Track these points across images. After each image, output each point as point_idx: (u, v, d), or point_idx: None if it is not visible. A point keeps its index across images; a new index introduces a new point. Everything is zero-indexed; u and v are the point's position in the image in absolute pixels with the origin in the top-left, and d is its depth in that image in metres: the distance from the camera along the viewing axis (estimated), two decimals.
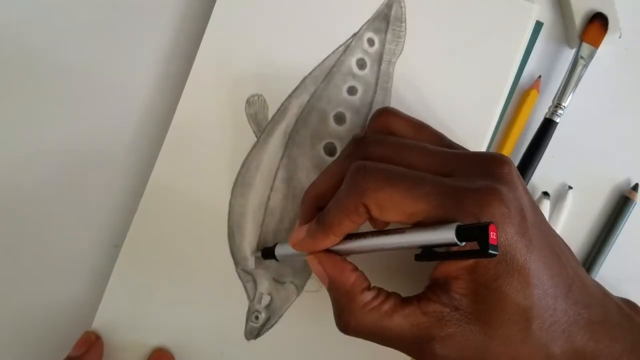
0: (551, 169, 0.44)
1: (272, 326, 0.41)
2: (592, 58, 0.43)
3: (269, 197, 0.42)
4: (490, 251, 0.27)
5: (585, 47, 0.43)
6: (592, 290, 0.34)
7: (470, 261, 0.31)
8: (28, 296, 0.43)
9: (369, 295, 0.33)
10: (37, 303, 0.43)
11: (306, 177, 0.42)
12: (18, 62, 0.44)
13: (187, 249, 0.41)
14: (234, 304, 0.41)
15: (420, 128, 0.36)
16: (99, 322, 0.41)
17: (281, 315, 0.41)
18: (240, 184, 0.42)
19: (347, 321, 0.33)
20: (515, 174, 0.32)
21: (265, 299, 0.41)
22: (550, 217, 0.44)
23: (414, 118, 0.37)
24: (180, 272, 0.41)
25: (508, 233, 0.30)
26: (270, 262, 0.41)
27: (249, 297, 0.41)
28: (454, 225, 0.28)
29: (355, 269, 0.34)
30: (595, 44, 0.43)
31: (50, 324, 0.43)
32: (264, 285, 0.41)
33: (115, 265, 0.41)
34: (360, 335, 0.33)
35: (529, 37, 0.42)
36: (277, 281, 0.41)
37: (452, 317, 0.31)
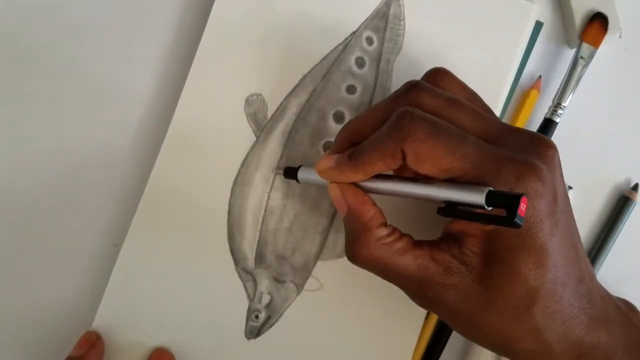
0: None
1: (272, 325, 0.41)
2: (592, 58, 0.43)
3: (268, 197, 0.42)
4: (516, 221, 0.27)
5: (585, 47, 0.43)
6: (598, 289, 0.34)
7: (491, 227, 0.31)
8: (28, 296, 0.43)
9: (384, 231, 0.33)
10: (37, 303, 0.43)
11: None
12: (18, 62, 0.44)
13: (187, 249, 0.41)
14: (234, 303, 0.41)
15: (473, 96, 0.36)
16: (99, 322, 0.41)
17: (281, 315, 0.41)
18: (240, 183, 0.42)
19: (358, 251, 0.33)
20: (558, 159, 0.32)
21: (265, 298, 0.41)
22: None
23: (468, 86, 0.36)
24: (180, 272, 0.41)
25: (537, 210, 0.30)
26: (270, 262, 0.41)
27: (249, 296, 0.41)
28: (486, 189, 0.29)
29: (375, 204, 0.34)
30: (595, 44, 0.43)
31: (50, 324, 0.43)
32: (264, 284, 0.41)
33: (115, 265, 0.41)
34: (368, 266, 0.34)
35: (528, 37, 0.43)
36: (277, 280, 0.41)
37: (459, 269, 0.32)
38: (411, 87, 0.34)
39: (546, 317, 0.31)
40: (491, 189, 0.29)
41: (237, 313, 0.41)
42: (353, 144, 0.34)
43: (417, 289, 0.33)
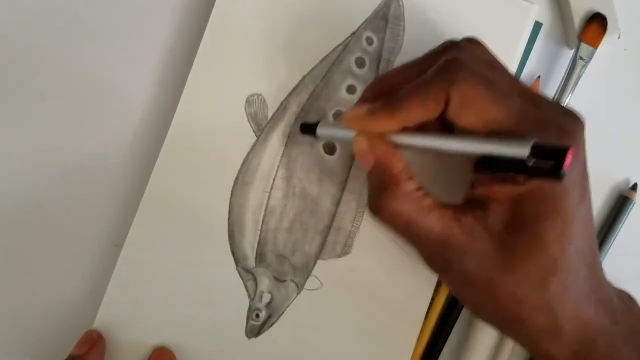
0: None
1: (272, 324, 0.41)
2: (591, 58, 0.43)
3: (269, 196, 0.42)
4: (562, 172, 0.27)
5: (584, 47, 0.43)
6: (604, 273, 0.34)
7: (520, 189, 0.30)
8: (29, 296, 0.43)
9: (413, 185, 0.32)
10: (38, 303, 0.43)
11: (306, 176, 0.42)
12: (18, 62, 0.45)
13: (188, 248, 0.41)
14: (235, 302, 0.41)
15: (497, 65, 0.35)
16: (100, 322, 0.41)
17: (282, 314, 0.41)
18: (240, 182, 0.42)
19: (385, 203, 0.32)
20: (584, 134, 0.32)
21: (266, 297, 0.41)
22: None
23: (499, 57, 0.36)
24: (180, 271, 0.41)
25: (571, 175, 0.30)
26: (271, 261, 0.41)
27: (249, 295, 0.41)
28: (531, 141, 0.28)
29: (402, 159, 0.33)
30: (594, 44, 0.43)
31: (51, 324, 0.43)
32: (265, 283, 0.41)
33: (116, 265, 0.41)
34: (393, 220, 0.32)
35: (527, 37, 0.43)
36: (278, 279, 0.41)
37: (481, 234, 0.31)
38: (453, 44, 0.33)
39: (562, 290, 0.31)
40: (536, 140, 0.28)
41: (237, 312, 0.41)
42: (382, 97, 0.33)
43: (437, 251, 0.32)
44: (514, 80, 0.33)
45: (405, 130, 0.33)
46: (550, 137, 0.30)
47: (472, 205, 0.32)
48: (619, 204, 0.44)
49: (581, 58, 0.43)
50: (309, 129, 0.38)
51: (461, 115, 0.30)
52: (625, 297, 0.36)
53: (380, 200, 0.32)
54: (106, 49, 0.45)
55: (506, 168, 0.30)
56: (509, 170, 0.30)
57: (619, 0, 0.44)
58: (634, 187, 0.44)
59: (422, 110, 0.31)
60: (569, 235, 0.30)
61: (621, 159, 0.45)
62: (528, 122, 0.30)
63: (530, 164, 0.28)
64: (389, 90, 0.33)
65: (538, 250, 0.30)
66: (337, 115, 0.42)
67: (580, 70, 0.43)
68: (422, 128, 0.34)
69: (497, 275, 0.31)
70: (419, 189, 0.33)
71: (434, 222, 0.32)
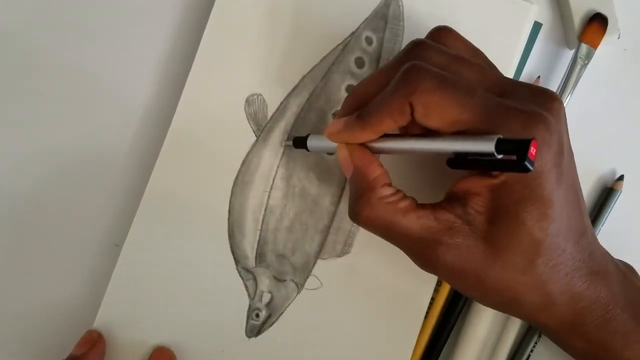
0: None
1: (272, 324, 0.41)
2: (590, 59, 0.43)
3: (268, 196, 0.42)
4: (526, 164, 0.27)
5: (584, 48, 0.43)
6: (598, 244, 0.35)
7: (496, 180, 0.31)
8: (29, 296, 0.43)
9: (388, 191, 0.33)
10: (38, 303, 0.43)
11: (305, 175, 0.42)
12: (18, 62, 0.45)
13: (188, 248, 0.41)
14: (235, 302, 0.41)
15: (477, 53, 0.36)
16: (101, 322, 0.41)
17: (282, 313, 0.41)
18: (240, 182, 0.42)
19: (361, 209, 0.33)
20: (563, 112, 0.33)
21: (266, 297, 0.41)
22: None
23: (471, 43, 0.36)
24: (180, 271, 0.41)
25: (544, 159, 0.30)
26: (271, 261, 0.41)
27: (249, 295, 0.41)
28: (495, 137, 0.29)
29: (381, 165, 0.34)
30: (594, 44, 0.43)
31: (51, 324, 0.43)
32: (265, 283, 0.41)
33: (116, 265, 0.41)
34: (370, 225, 0.34)
35: (527, 37, 0.43)
36: (278, 279, 0.41)
37: (463, 229, 0.32)
38: (415, 45, 0.34)
39: (550, 269, 0.32)
40: (500, 136, 0.29)
41: (237, 312, 0.41)
42: (360, 108, 0.34)
43: (420, 250, 0.33)
44: (481, 70, 0.33)
45: (383, 136, 0.34)
46: (515, 126, 0.30)
47: (452, 201, 0.33)
48: (604, 195, 0.44)
49: (581, 58, 0.43)
50: (300, 142, 0.39)
51: (427, 120, 0.31)
52: (625, 269, 0.37)
53: (357, 205, 0.34)
54: (106, 49, 0.45)
55: (479, 165, 0.31)
56: (483, 166, 0.31)
57: (619, 0, 0.44)
58: (620, 178, 0.44)
59: (390, 121, 0.32)
60: (550, 217, 0.31)
61: (609, 151, 0.45)
62: (491, 119, 0.30)
63: (499, 157, 0.29)
64: (365, 99, 0.34)
65: (521, 235, 0.31)
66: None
67: (580, 71, 0.43)
68: (404, 129, 0.35)
69: (485, 266, 0.32)
70: (396, 192, 0.34)
71: (412, 223, 0.33)
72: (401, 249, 0.34)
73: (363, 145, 0.35)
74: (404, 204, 0.33)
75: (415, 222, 0.33)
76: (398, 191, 0.34)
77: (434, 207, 0.33)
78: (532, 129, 0.30)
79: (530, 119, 0.30)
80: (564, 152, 0.32)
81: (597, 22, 0.43)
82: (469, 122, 0.31)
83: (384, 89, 0.33)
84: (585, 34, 0.43)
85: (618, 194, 0.44)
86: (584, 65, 0.43)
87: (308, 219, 0.42)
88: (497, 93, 0.32)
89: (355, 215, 0.34)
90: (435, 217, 0.32)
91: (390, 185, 0.34)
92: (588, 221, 0.34)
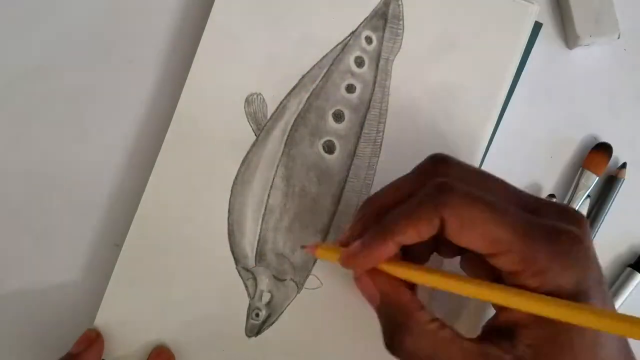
0: (550, 169, 0.45)
1: (272, 323, 0.41)
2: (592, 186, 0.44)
3: (268, 195, 0.42)
4: None
5: (587, 174, 0.44)
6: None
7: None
8: (29, 296, 0.43)
9: (427, 316, 0.31)
10: (38, 303, 0.43)
11: (305, 175, 0.42)
12: (18, 62, 0.45)
13: (187, 248, 0.41)
14: (235, 301, 0.41)
15: (487, 177, 0.33)
16: (100, 321, 0.41)
17: (281, 313, 0.41)
18: (240, 182, 0.42)
19: (402, 339, 0.30)
20: (588, 228, 0.31)
21: (266, 297, 0.41)
22: None
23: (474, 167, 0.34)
24: (180, 271, 0.41)
25: (590, 281, 0.29)
26: (270, 260, 0.41)
27: (249, 294, 0.41)
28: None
29: (409, 287, 0.32)
30: (598, 172, 0.43)
31: (51, 323, 0.43)
32: (264, 282, 0.41)
33: (116, 265, 0.41)
34: (412, 357, 0.30)
35: (527, 37, 0.43)
36: (277, 279, 0.41)
37: None
38: (439, 160, 0.32)
39: None
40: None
41: (237, 311, 0.41)
42: (375, 221, 0.32)
43: None
44: (506, 186, 0.32)
45: (403, 263, 0.32)
46: (564, 245, 0.29)
47: (496, 335, 0.30)
48: (609, 183, 0.44)
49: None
50: None
51: (461, 237, 0.29)
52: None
53: (397, 336, 0.31)
54: (106, 50, 0.45)
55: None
56: None
57: (619, 0, 0.44)
58: (623, 166, 0.44)
59: (414, 232, 0.30)
60: (599, 344, 0.29)
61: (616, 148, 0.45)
62: (536, 235, 0.29)
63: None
64: (379, 212, 0.33)
65: None
66: (337, 115, 0.42)
67: (583, 200, 0.43)
68: (411, 248, 0.32)
69: None
70: (434, 318, 0.31)
71: (457, 355, 0.30)
72: None
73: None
74: (446, 332, 0.30)
75: (459, 356, 0.30)
76: (436, 318, 0.31)
77: (478, 341, 0.30)
78: (577, 252, 0.29)
79: (574, 240, 0.29)
80: (602, 269, 0.30)
81: (602, 151, 0.44)
82: (509, 241, 0.29)
83: (400, 202, 0.31)
84: (589, 161, 0.44)
85: (621, 181, 0.44)
86: (586, 195, 0.44)
87: (308, 219, 0.42)
88: (526, 210, 0.30)
89: (396, 348, 0.31)
90: (482, 352, 0.29)
91: (425, 309, 0.31)
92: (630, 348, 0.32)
